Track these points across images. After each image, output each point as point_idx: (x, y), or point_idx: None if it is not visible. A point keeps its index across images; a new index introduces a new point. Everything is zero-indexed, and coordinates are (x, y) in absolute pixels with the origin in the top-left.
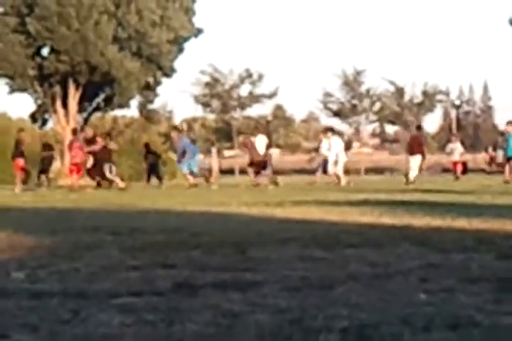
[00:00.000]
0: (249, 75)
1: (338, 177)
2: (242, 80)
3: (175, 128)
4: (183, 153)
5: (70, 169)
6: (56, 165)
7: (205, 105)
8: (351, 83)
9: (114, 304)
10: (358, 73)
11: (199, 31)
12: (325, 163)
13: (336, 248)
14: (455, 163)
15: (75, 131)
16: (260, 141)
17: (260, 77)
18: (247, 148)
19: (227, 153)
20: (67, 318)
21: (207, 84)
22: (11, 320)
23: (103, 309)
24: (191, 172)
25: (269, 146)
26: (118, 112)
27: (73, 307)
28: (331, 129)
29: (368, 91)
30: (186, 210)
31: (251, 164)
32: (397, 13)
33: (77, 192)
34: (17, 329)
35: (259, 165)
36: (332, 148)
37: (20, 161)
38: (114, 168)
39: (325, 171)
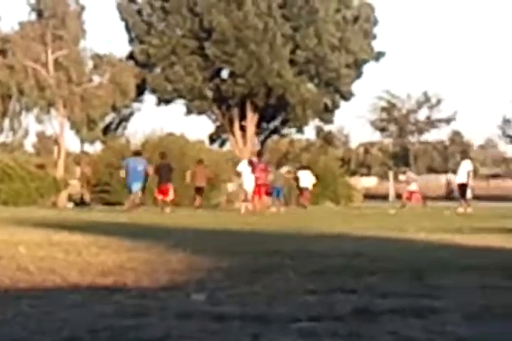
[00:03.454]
0: (428, 99)
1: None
2: (420, 105)
3: None
4: None
5: (254, 191)
6: (232, 187)
7: (382, 130)
8: None
9: (294, 328)
10: None
11: (380, 54)
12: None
13: None
14: None
15: (259, 154)
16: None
17: (438, 101)
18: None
19: (401, 177)
20: None
21: (383, 109)
22: None
23: (283, 333)
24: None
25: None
26: (294, 135)
27: (254, 330)
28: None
29: None
30: (364, 235)
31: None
32: None
33: (259, 214)
34: None
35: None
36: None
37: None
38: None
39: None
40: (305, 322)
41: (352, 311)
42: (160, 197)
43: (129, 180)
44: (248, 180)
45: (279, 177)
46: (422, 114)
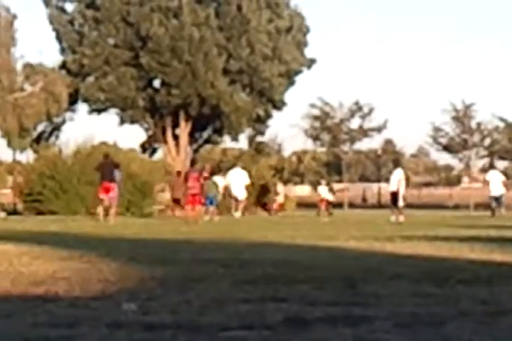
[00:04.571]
0: (360, 108)
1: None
2: (352, 114)
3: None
4: None
5: (187, 200)
6: (166, 196)
7: (315, 138)
8: (461, 117)
9: (226, 337)
10: (467, 107)
11: (312, 61)
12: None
13: (447, 284)
14: None
15: (192, 162)
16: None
17: (370, 110)
18: None
19: (336, 186)
20: None
21: (316, 118)
22: None
23: None
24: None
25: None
26: (227, 144)
27: (185, 339)
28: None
29: (478, 125)
30: (296, 243)
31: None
32: (508, 47)
33: (192, 223)
34: None
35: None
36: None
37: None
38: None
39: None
40: (236, 330)
41: (283, 320)
42: (104, 196)
43: None
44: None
45: (212, 186)
46: (355, 123)
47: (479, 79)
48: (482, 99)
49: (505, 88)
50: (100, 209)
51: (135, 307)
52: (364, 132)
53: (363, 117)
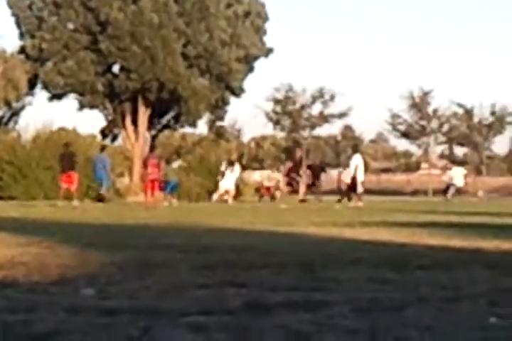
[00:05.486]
0: (322, 95)
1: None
2: (314, 100)
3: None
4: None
5: (146, 186)
6: (125, 181)
7: (276, 123)
8: (418, 104)
9: (185, 322)
10: (425, 94)
11: (270, 51)
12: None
13: (406, 270)
14: None
15: (151, 148)
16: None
17: (332, 97)
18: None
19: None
20: (137, 336)
21: (278, 102)
22: (82, 337)
23: (173, 327)
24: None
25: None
26: (186, 130)
27: (144, 324)
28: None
29: (435, 111)
30: (255, 229)
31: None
32: (464, 34)
33: (151, 209)
34: None
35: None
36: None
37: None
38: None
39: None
40: (195, 316)
41: (242, 305)
42: (65, 185)
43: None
44: None
45: (172, 171)
46: (316, 109)
47: (438, 66)
48: (441, 86)
49: (463, 74)
50: (61, 202)
51: (93, 292)
52: (325, 118)
53: (325, 103)
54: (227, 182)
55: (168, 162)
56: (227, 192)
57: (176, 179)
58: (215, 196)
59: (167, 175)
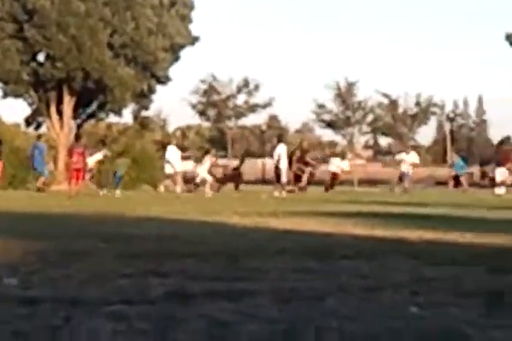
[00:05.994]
0: (246, 85)
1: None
2: (239, 90)
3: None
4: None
5: (71, 175)
6: (50, 169)
7: (202, 113)
8: (343, 94)
9: (106, 312)
10: (350, 84)
11: (195, 39)
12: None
13: (329, 259)
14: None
15: (76, 137)
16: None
17: (257, 86)
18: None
19: (220, 161)
20: (58, 325)
21: (204, 93)
22: (3, 327)
23: (94, 316)
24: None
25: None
26: (112, 119)
27: (65, 314)
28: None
29: (359, 103)
30: (179, 218)
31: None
32: (390, 24)
33: (74, 198)
34: (8, 337)
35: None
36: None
37: None
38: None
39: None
40: (117, 305)
41: (164, 294)
42: None
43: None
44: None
45: (123, 164)
46: (241, 99)
47: (363, 57)
48: (366, 76)
49: (389, 65)
50: None
51: (16, 282)
52: (250, 108)
53: (249, 93)
54: (203, 171)
55: (121, 155)
56: (203, 181)
57: (123, 172)
58: (162, 187)
59: (117, 167)
